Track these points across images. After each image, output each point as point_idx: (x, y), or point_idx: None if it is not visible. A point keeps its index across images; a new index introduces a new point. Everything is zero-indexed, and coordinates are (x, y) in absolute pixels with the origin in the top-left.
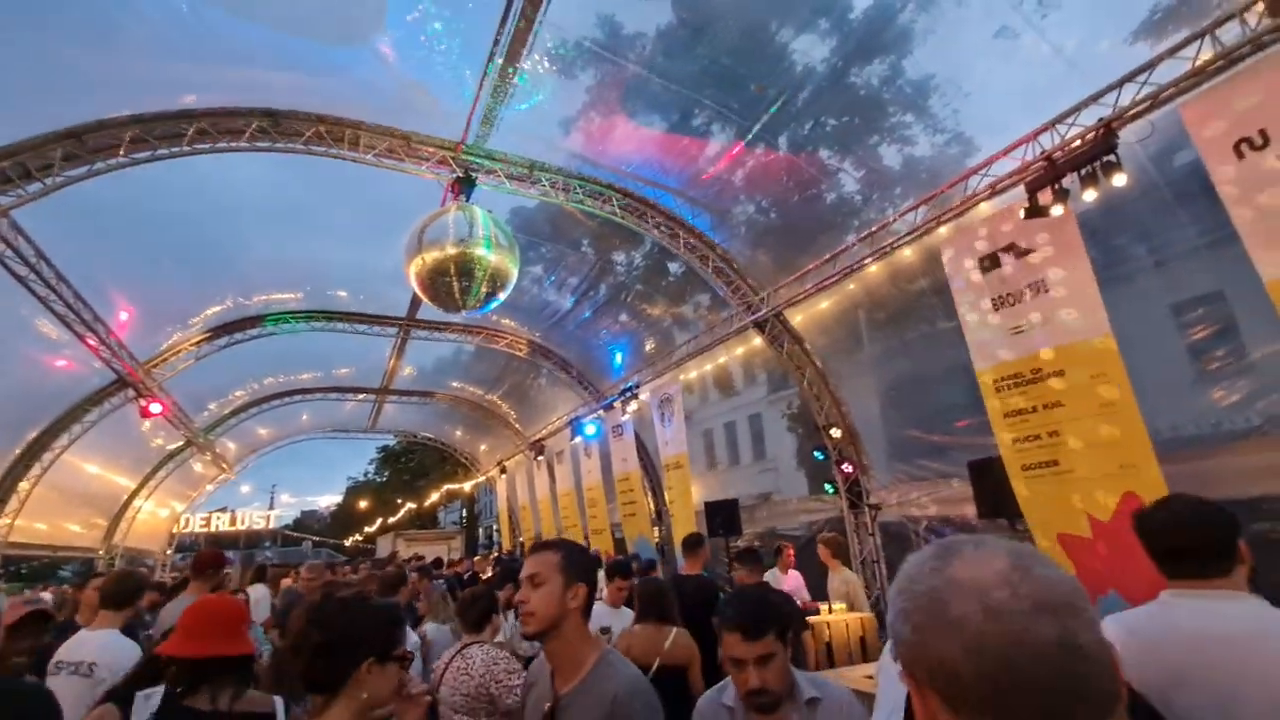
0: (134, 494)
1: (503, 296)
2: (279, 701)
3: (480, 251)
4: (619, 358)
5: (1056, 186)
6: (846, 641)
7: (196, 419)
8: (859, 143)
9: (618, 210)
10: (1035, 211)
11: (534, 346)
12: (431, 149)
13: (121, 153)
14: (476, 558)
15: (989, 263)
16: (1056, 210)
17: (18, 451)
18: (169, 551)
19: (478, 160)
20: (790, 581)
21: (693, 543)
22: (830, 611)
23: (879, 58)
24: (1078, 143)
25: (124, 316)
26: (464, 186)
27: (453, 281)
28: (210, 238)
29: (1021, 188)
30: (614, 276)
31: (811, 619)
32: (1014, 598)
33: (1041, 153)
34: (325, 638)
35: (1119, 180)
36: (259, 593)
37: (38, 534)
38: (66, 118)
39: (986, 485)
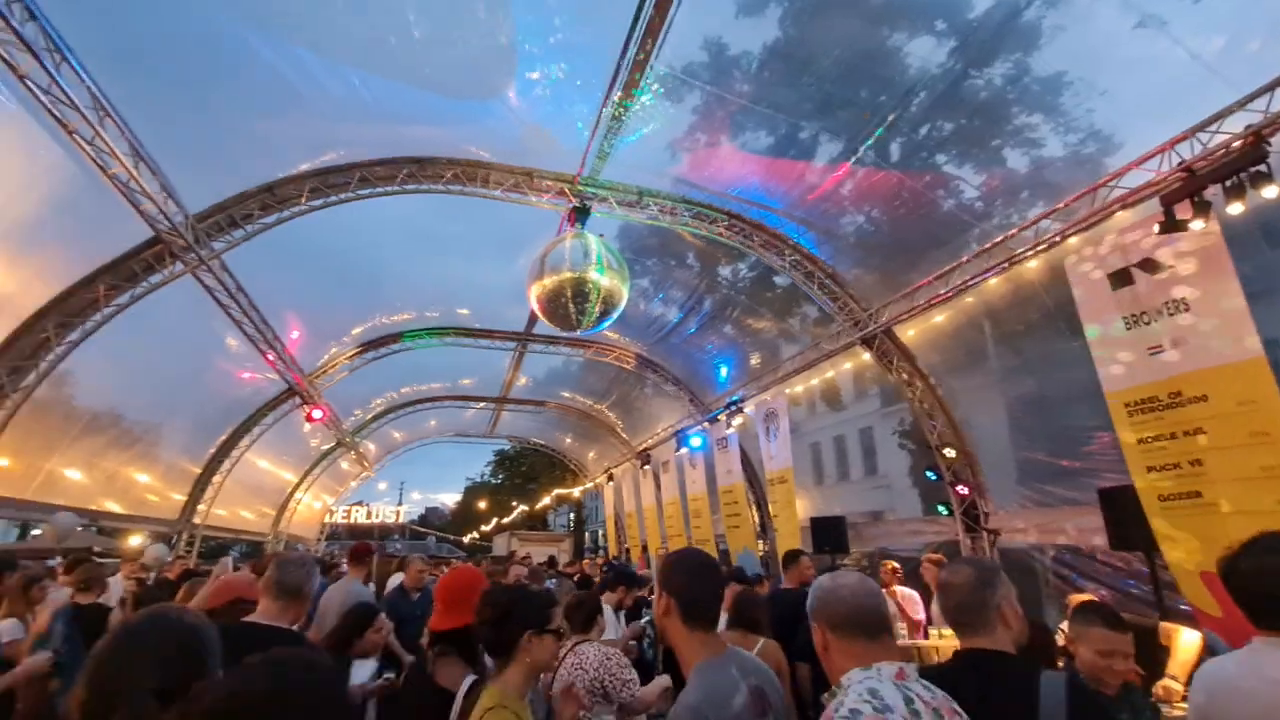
0: (295, 487)
1: (614, 316)
2: (468, 680)
3: (594, 275)
4: (724, 371)
5: (1196, 199)
6: None
7: (345, 423)
8: (980, 147)
9: (724, 231)
10: (1172, 226)
11: (641, 359)
12: (550, 182)
13: (303, 200)
14: (584, 561)
15: (1120, 278)
16: (1196, 225)
17: (212, 451)
18: (320, 540)
19: (592, 190)
20: (893, 603)
21: (790, 558)
22: (941, 636)
23: (1002, 57)
24: (1222, 152)
25: (294, 335)
26: (579, 215)
27: (569, 303)
28: (361, 265)
29: (1156, 199)
30: (719, 290)
31: (919, 643)
32: (863, 588)
33: (1180, 163)
34: (494, 613)
35: (1269, 192)
36: (397, 581)
37: (220, 519)
38: (262, 175)
39: (1119, 515)
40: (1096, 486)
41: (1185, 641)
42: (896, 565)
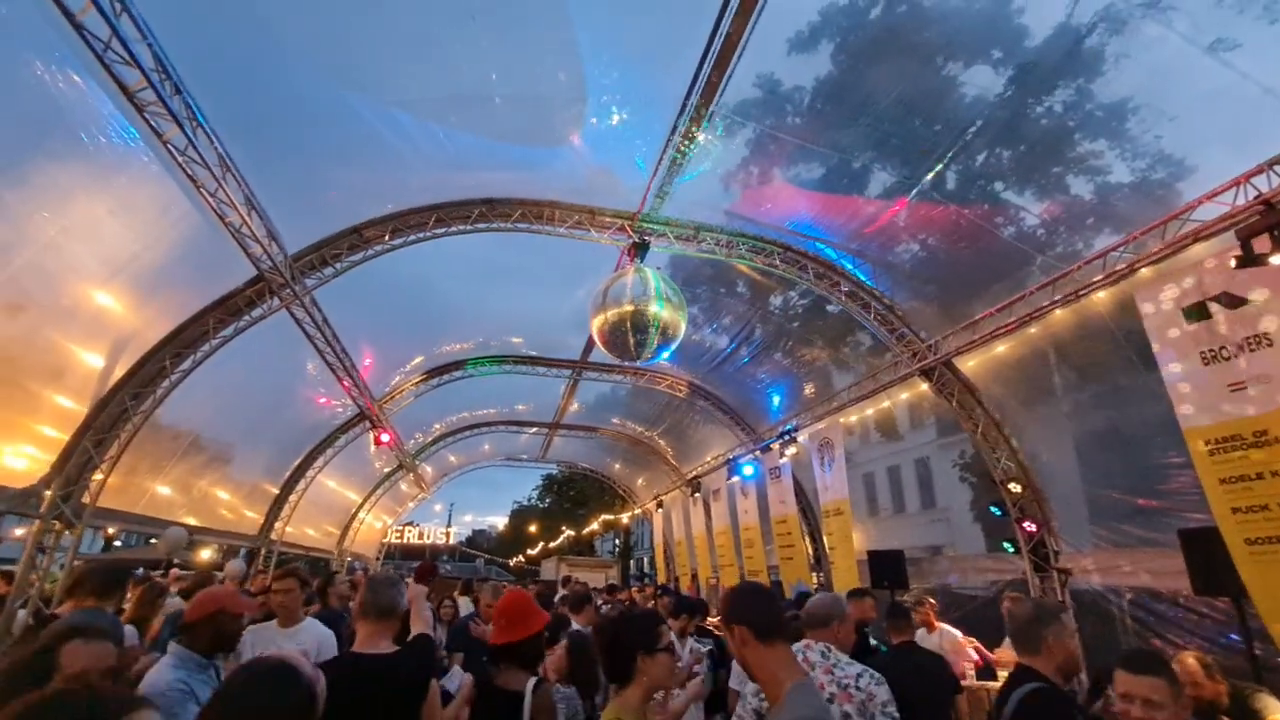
0: (359, 507)
1: (673, 347)
2: (531, 681)
3: (654, 308)
4: (776, 400)
5: (1277, 232)
6: None
7: (407, 446)
8: (1041, 175)
9: (778, 264)
10: (1250, 260)
11: (693, 388)
12: (611, 219)
13: (386, 240)
14: (633, 589)
15: (1195, 312)
16: (1277, 259)
17: (289, 473)
18: (378, 559)
19: (651, 226)
20: (934, 640)
21: (853, 595)
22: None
23: (1063, 83)
24: None
25: (367, 362)
26: (639, 251)
27: (629, 335)
28: (430, 296)
29: (1231, 232)
30: (771, 319)
31: (990, 685)
32: (822, 600)
33: (1256, 196)
34: (606, 640)
35: None
36: (464, 605)
37: (291, 536)
38: (351, 218)
39: (1202, 558)
40: (1177, 527)
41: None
42: (933, 602)
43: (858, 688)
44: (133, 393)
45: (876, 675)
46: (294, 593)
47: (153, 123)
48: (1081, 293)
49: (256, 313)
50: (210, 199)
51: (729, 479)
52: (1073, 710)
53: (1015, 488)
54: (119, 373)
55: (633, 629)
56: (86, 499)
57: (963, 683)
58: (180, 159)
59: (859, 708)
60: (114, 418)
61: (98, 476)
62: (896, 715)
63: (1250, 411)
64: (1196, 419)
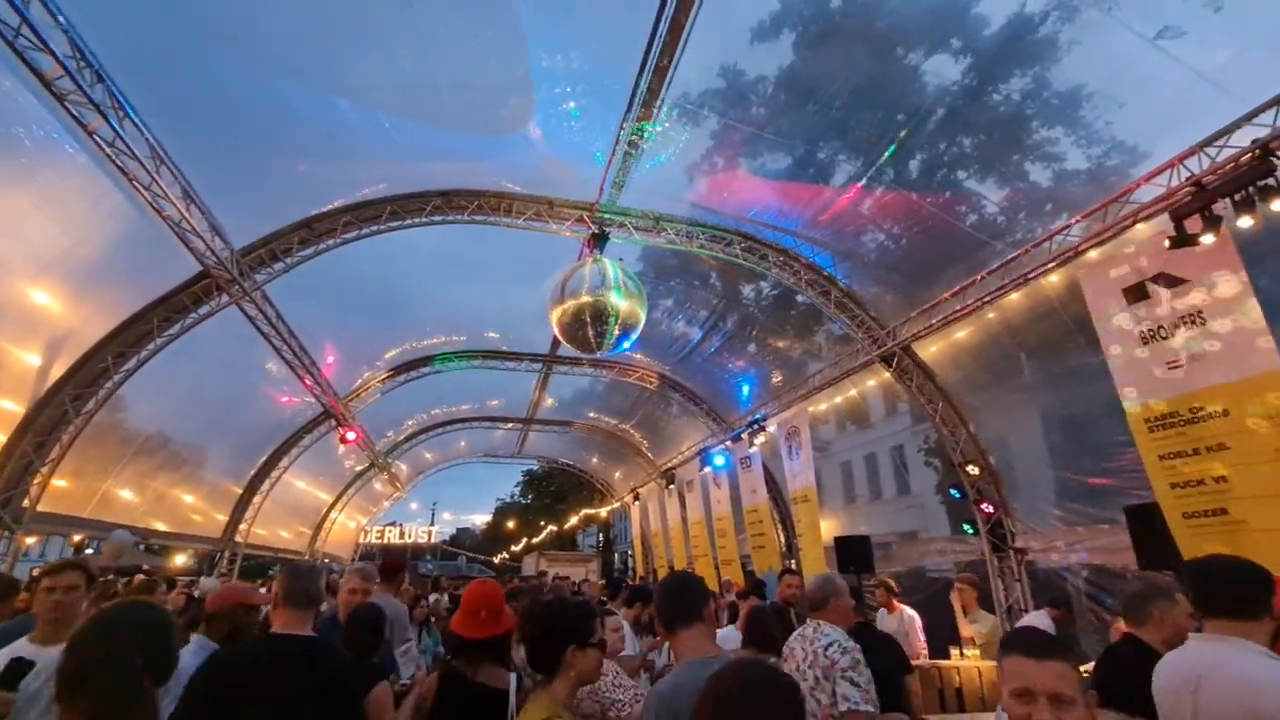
0: (331, 507)
1: (632, 338)
2: (513, 678)
3: (612, 299)
4: (746, 390)
5: (1206, 213)
6: (979, 688)
7: (378, 444)
8: (1001, 162)
9: (739, 253)
10: (1183, 241)
11: (664, 379)
12: (570, 210)
13: (338, 234)
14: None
15: (1135, 293)
16: (1207, 239)
17: (253, 472)
18: (354, 559)
19: (610, 217)
20: (894, 622)
21: (783, 575)
22: (963, 657)
23: (1019, 72)
24: (1230, 166)
25: (330, 360)
26: (598, 241)
27: (588, 326)
28: (394, 292)
29: (1167, 215)
30: (741, 309)
31: (939, 663)
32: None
33: (1188, 178)
34: (536, 631)
35: (1279, 206)
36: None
37: (260, 538)
38: (300, 211)
39: (1146, 533)
40: (1124, 504)
41: None
42: (892, 584)
43: (825, 656)
44: (74, 393)
45: (846, 646)
46: (78, 591)
47: (75, 113)
48: (1030, 275)
49: (204, 310)
50: (144, 192)
51: (701, 470)
52: (1152, 658)
53: (973, 470)
54: (58, 372)
55: (566, 620)
56: (27, 503)
57: (914, 662)
58: (109, 150)
59: (823, 672)
60: (54, 419)
61: (39, 480)
62: (856, 680)
63: (1186, 389)
64: (1137, 397)
